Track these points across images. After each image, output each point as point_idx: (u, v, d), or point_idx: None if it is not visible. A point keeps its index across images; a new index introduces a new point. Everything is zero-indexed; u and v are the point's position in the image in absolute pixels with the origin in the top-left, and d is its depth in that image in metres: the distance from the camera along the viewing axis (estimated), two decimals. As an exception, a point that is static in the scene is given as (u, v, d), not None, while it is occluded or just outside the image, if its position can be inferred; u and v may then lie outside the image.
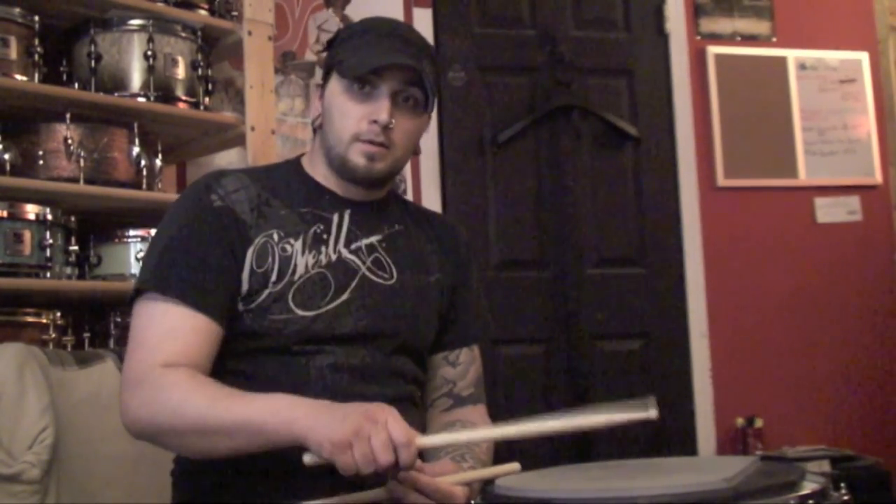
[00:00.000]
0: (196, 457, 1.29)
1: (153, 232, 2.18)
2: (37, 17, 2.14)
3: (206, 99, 2.37)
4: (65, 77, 2.27)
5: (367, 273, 1.40)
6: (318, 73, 2.92)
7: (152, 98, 2.25)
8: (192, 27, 2.34)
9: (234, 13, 2.43)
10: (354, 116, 1.36)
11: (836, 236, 3.70)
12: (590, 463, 1.24)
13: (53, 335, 2.07)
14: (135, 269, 2.18)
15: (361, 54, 1.35)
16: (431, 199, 3.20)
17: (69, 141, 2.10)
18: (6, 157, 2.04)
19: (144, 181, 2.23)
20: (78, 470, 1.51)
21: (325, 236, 1.39)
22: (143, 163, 2.22)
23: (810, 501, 0.92)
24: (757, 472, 0.99)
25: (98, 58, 2.21)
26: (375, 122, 1.34)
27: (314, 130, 1.46)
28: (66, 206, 2.14)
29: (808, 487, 0.94)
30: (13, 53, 2.08)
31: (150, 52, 2.23)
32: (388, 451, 1.06)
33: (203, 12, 2.41)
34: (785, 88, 3.70)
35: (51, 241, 2.05)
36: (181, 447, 1.29)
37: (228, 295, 1.32)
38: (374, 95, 1.35)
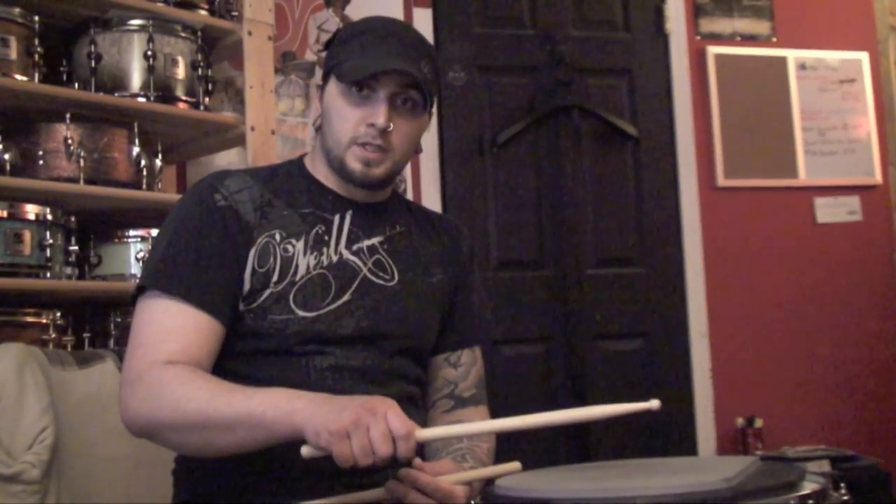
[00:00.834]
0: (196, 454, 1.28)
1: (153, 232, 2.19)
2: (37, 17, 2.14)
3: (206, 99, 2.37)
4: (65, 77, 2.27)
5: (369, 274, 1.40)
6: (318, 73, 2.92)
7: (152, 98, 2.25)
8: (192, 27, 2.34)
9: (234, 13, 2.43)
10: (352, 120, 1.35)
11: (836, 236, 3.70)
12: (589, 463, 1.25)
13: (53, 335, 2.06)
14: (135, 269, 2.19)
15: (358, 58, 1.35)
16: (431, 199, 3.20)
17: (69, 141, 2.10)
18: (6, 157, 2.04)
19: (144, 181, 2.22)
20: (78, 470, 1.52)
21: (326, 237, 1.39)
22: (143, 163, 2.22)
23: (810, 501, 0.92)
24: (757, 472, 0.99)
25: (98, 58, 2.21)
26: (373, 125, 1.34)
27: (315, 131, 1.46)
28: (66, 206, 2.13)
29: (808, 487, 0.94)
30: (13, 53, 2.08)
31: (150, 52, 2.23)
32: (386, 442, 1.05)
33: (203, 12, 2.40)
34: (785, 88, 3.70)
35: (51, 241, 2.05)
36: (181, 444, 1.28)
37: (231, 294, 1.32)
38: (372, 99, 1.35)
